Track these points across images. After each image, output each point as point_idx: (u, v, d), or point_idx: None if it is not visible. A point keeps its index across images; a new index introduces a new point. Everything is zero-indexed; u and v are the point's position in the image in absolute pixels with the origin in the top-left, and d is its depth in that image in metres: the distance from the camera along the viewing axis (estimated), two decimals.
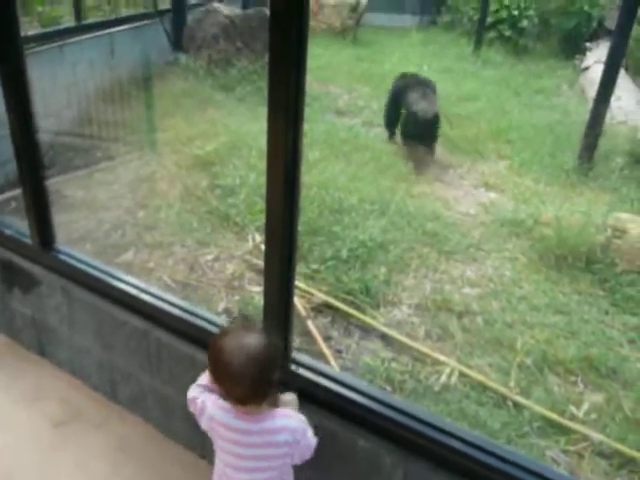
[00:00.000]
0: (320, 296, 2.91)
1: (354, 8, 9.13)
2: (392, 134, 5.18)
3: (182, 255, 3.31)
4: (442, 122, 4.88)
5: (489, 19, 8.35)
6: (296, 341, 2.50)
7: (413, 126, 4.86)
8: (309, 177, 3.95)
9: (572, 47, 8.06)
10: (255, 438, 1.38)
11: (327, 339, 2.67)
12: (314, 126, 5.07)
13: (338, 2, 9.04)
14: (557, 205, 3.88)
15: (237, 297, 2.96)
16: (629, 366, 2.56)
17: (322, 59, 7.26)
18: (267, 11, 6.50)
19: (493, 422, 2.23)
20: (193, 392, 1.52)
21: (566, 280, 3.17)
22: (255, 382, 1.31)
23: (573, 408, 2.35)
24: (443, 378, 2.46)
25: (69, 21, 5.48)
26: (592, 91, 5.18)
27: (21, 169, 2.20)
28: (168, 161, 4.46)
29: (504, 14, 8.47)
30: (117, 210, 3.79)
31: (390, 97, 5.16)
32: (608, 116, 4.72)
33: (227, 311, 2.83)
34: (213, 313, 2.32)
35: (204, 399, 1.46)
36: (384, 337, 2.71)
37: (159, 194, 4.00)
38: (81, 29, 5.36)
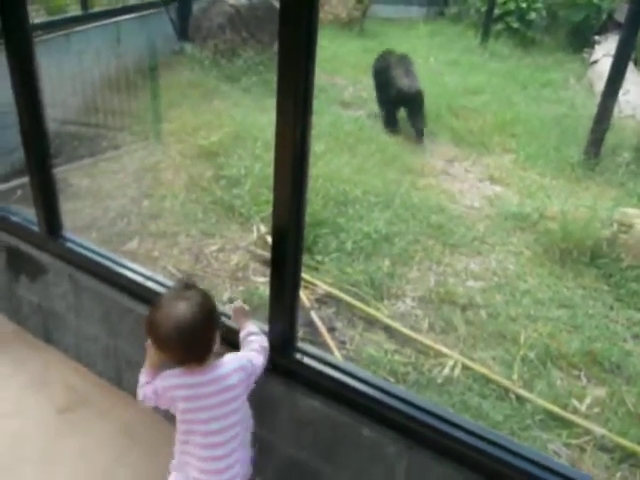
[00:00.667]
0: (324, 287, 2.92)
1: None
2: (394, 123, 5.25)
3: (187, 245, 3.32)
4: (447, 114, 4.91)
5: (497, 11, 8.27)
6: (300, 332, 2.51)
7: (399, 102, 5.14)
8: (314, 169, 3.94)
9: (580, 40, 7.98)
10: (212, 387, 1.48)
11: (331, 330, 2.68)
12: (320, 118, 5.05)
13: None
14: (562, 199, 3.87)
15: (241, 287, 2.97)
16: (633, 361, 2.57)
17: (328, 51, 7.22)
18: (273, 1, 6.50)
19: (496, 414, 2.24)
20: (140, 395, 1.59)
21: (571, 274, 3.17)
22: (189, 347, 1.45)
23: (576, 402, 2.35)
24: (446, 370, 2.47)
25: (75, 10, 5.47)
26: (600, 85, 5.14)
27: (29, 157, 2.21)
28: (173, 151, 4.46)
29: (512, 6, 8.38)
30: (122, 199, 3.80)
31: (374, 76, 5.46)
32: (616, 110, 4.69)
33: (231, 301, 2.84)
34: (218, 302, 2.33)
35: (151, 385, 1.55)
36: (388, 329, 2.72)
37: (164, 184, 4.00)
38: (87, 18, 5.35)
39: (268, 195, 3.52)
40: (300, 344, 1.76)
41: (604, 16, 8.21)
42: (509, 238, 3.54)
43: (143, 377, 1.61)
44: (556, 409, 2.28)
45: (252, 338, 1.66)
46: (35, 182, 2.24)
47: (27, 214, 2.47)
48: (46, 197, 2.27)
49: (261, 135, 4.42)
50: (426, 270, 3.19)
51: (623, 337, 2.73)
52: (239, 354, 1.60)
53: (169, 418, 2.21)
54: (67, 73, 4.69)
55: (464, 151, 4.90)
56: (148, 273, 2.10)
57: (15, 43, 2.01)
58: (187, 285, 1.54)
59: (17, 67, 2.04)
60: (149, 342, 1.55)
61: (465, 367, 2.48)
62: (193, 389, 1.48)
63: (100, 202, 3.74)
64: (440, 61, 7.21)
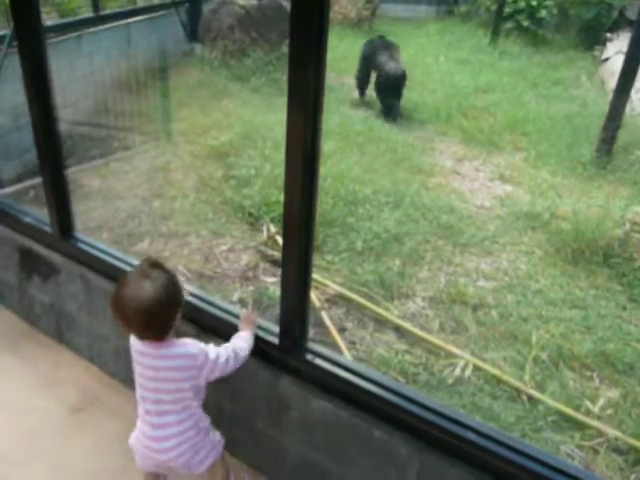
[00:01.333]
0: (334, 287, 2.91)
1: None
2: (363, 93, 6.03)
3: (197, 245, 3.33)
4: (450, 110, 5.24)
5: (507, 9, 8.22)
6: (310, 332, 2.51)
7: (385, 83, 5.66)
8: (324, 168, 3.94)
9: (592, 38, 7.91)
10: (157, 361, 1.56)
11: (341, 330, 2.67)
12: (329, 117, 5.05)
13: None
14: (574, 198, 3.84)
15: (251, 287, 2.97)
16: None
17: (337, 50, 7.21)
18: (282, 2, 6.51)
19: (507, 416, 2.22)
20: None
21: (583, 274, 3.14)
22: (147, 326, 1.51)
23: (588, 403, 2.33)
24: (457, 371, 2.45)
25: (87, 12, 5.52)
26: (612, 83, 5.10)
27: (41, 158, 2.22)
28: (183, 151, 4.47)
29: (522, 4, 8.33)
30: (133, 199, 3.82)
31: (361, 60, 5.94)
32: (628, 108, 4.63)
33: (241, 301, 2.85)
34: (228, 302, 2.34)
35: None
36: (398, 329, 2.70)
37: (174, 184, 4.02)
38: (98, 19, 5.40)
39: (278, 195, 3.52)
40: (310, 344, 1.76)
41: (615, 13, 8.12)
42: (520, 238, 3.51)
43: None
44: (569, 410, 2.26)
45: (237, 341, 1.69)
46: (47, 183, 2.26)
47: (39, 214, 2.49)
48: (58, 198, 2.28)
49: (270, 135, 4.43)
50: (436, 270, 3.17)
51: (636, 337, 2.69)
52: (204, 345, 1.62)
53: None
54: (78, 74, 4.73)
55: (474, 150, 4.87)
56: None
57: (28, 45, 2.03)
58: (154, 264, 1.55)
59: (30, 69, 2.06)
60: None
61: (476, 368, 2.46)
62: (141, 356, 1.58)
63: (111, 203, 3.76)
64: (450, 60, 7.18)
